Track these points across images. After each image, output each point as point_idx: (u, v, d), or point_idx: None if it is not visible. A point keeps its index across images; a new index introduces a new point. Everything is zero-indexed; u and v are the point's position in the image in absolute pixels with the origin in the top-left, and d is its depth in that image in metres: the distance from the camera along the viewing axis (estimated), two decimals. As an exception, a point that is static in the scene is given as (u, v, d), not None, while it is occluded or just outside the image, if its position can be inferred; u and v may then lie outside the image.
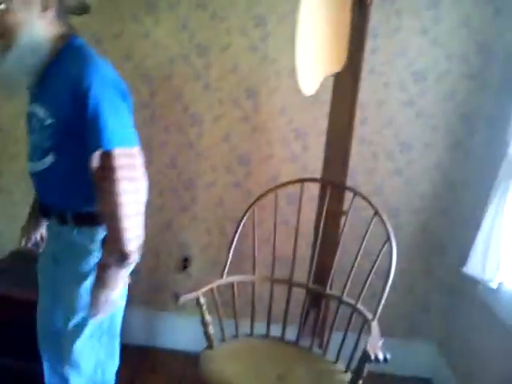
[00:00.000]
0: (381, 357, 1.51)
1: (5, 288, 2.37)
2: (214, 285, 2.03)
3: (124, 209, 1.44)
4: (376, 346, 1.59)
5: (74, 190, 1.59)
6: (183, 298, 1.90)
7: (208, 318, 1.96)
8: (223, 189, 2.64)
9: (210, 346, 1.97)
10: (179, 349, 2.75)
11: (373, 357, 1.52)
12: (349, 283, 2.00)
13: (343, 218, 2.12)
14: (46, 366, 1.89)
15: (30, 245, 1.89)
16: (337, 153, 2.15)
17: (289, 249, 2.18)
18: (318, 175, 2.37)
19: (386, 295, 1.86)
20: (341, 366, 1.93)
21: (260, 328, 2.13)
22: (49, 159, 1.54)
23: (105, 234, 1.57)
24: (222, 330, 2.04)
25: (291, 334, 2.12)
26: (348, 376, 1.85)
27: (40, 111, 1.52)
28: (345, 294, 2.01)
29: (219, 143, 2.60)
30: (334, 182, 2.14)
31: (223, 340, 2.04)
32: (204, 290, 1.96)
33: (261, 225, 2.22)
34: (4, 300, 2.34)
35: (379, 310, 1.85)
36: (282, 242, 2.20)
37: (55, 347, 1.78)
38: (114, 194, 1.43)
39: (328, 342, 2.01)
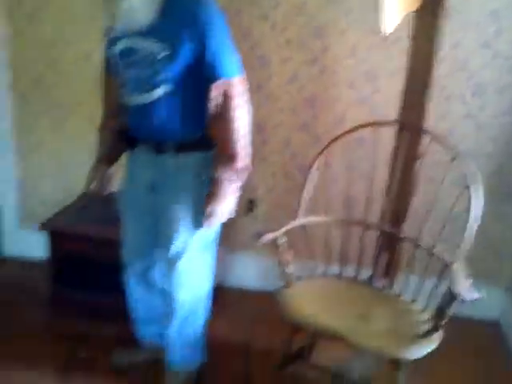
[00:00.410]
0: (474, 296, 1.54)
1: (83, 226, 2.46)
2: (290, 226, 2.06)
3: (240, 131, 1.63)
4: (465, 286, 1.62)
5: (181, 119, 1.68)
6: (264, 239, 1.94)
7: (287, 257, 2.00)
8: (290, 130, 2.64)
9: (287, 285, 2.02)
10: (246, 287, 2.82)
11: (464, 297, 1.55)
12: (425, 227, 2.00)
13: (418, 162, 2.11)
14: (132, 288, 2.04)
15: (97, 188, 1.97)
16: (414, 94, 2.11)
17: (359, 193, 2.19)
18: (386, 118, 2.33)
19: (472, 234, 1.90)
20: (418, 305, 1.97)
21: (331, 270, 2.16)
22: (160, 90, 1.62)
23: (208, 155, 1.72)
24: (297, 270, 2.08)
25: (363, 274, 2.15)
26: (426, 315, 1.89)
27: (152, 45, 1.56)
28: (420, 238, 2.01)
29: (286, 85, 2.57)
30: (411, 125, 2.11)
31: (299, 279, 2.09)
32: (283, 230, 2.00)
33: (330, 167, 2.22)
34: (82, 237, 2.43)
35: (463, 252, 1.86)
36: (352, 186, 2.20)
37: (150, 272, 1.95)
38: (233, 119, 1.61)
39: (405, 282, 2.03)
